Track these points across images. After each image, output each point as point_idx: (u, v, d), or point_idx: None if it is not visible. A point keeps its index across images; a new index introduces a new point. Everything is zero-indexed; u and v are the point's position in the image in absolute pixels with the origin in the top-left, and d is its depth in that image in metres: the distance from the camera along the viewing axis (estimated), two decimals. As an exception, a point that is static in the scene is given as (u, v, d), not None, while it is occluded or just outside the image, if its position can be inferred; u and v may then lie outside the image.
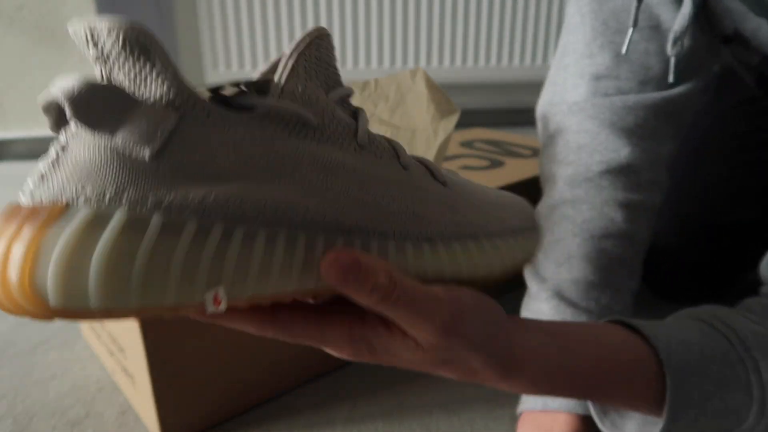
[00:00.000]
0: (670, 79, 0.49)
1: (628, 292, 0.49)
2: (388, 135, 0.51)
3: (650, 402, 0.34)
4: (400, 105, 0.50)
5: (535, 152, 0.79)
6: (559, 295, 0.47)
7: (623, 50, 0.50)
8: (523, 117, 1.81)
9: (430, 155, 0.54)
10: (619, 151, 0.50)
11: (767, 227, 0.65)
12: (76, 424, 0.51)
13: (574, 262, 0.48)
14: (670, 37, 0.48)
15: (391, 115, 0.50)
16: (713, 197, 0.66)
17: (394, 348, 0.27)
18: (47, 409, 0.53)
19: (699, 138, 0.68)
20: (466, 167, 0.71)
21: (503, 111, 1.83)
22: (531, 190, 0.68)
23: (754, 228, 0.66)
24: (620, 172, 0.50)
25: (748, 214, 0.65)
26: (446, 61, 1.75)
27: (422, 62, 1.73)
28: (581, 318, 0.46)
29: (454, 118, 0.53)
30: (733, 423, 0.35)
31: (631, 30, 0.49)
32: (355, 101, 0.48)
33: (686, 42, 0.49)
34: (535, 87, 1.80)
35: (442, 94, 0.52)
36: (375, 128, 0.50)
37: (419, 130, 0.52)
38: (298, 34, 1.66)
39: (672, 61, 0.49)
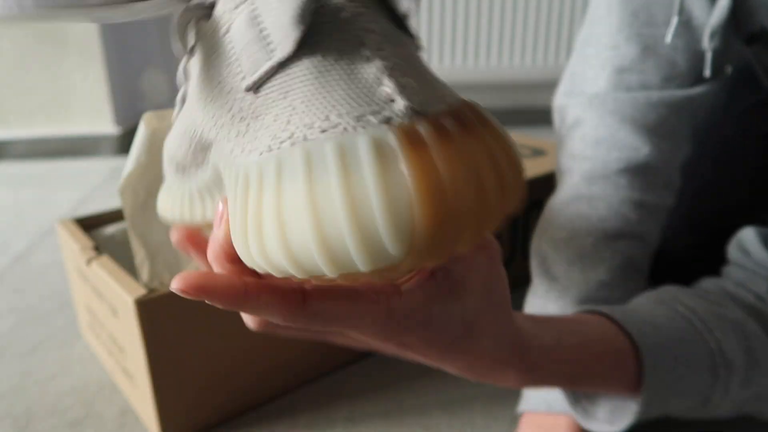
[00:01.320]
0: (707, 73, 0.49)
1: (635, 292, 0.49)
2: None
3: (625, 385, 0.35)
4: (400, 105, 0.50)
5: (535, 152, 0.79)
6: (568, 295, 0.47)
7: (668, 38, 0.49)
8: (524, 117, 1.81)
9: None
10: (639, 149, 0.50)
11: None
12: (76, 424, 0.51)
13: (586, 261, 0.47)
14: (707, 30, 0.47)
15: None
16: (729, 200, 0.65)
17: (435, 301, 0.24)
18: (47, 409, 0.53)
19: (718, 141, 0.68)
20: (466, 167, 0.71)
21: (504, 111, 1.83)
22: (531, 190, 0.68)
23: None
24: (638, 172, 0.50)
25: (765, 217, 0.65)
26: (447, 61, 1.75)
27: (423, 62, 1.73)
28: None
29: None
30: (697, 402, 0.37)
31: (676, 18, 0.48)
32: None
33: (718, 40, 0.49)
34: (537, 87, 1.80)
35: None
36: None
37: (419, 130, 0.52)
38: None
39: (709, 55, 0.48)
